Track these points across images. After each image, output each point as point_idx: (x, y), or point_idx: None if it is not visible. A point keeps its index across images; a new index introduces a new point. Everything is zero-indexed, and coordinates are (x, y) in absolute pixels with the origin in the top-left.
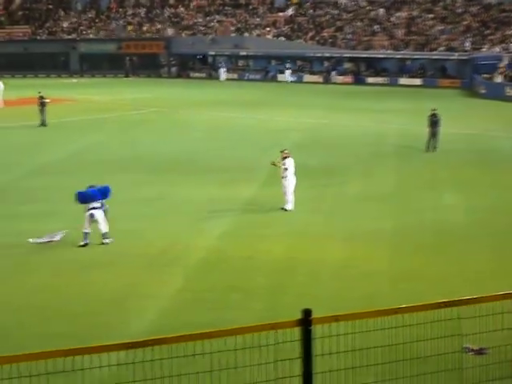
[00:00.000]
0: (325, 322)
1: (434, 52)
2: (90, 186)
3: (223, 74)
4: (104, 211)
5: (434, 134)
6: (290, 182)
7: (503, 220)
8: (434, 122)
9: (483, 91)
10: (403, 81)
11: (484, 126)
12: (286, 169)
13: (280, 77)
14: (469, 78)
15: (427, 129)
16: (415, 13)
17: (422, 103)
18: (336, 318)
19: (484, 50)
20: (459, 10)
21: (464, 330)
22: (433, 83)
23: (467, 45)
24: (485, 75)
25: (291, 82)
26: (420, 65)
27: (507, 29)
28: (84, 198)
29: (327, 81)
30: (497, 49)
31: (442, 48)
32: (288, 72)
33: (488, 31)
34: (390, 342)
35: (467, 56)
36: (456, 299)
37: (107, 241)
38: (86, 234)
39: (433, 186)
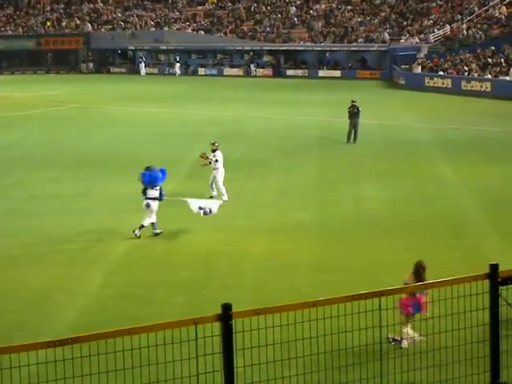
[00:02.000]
0: (245, 316)
1: (354, 44)
2: (147, 168)
3: (143, 68)
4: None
5: (354, 126)
6: (221, 173)
7: (421, 210)
8: (353, 113)
9: (402, 82)
10: (322, 73)
11: (404, 117)
12: (217, 160)
13: (200, 70)
14: (388, 69)
15: (347, 120)
16: (333, 5)
17: (343, 95)
18: (256, 312)
19: (402, 41)
20: (377, 2)
21: (385, 320)
22: (352, 75)
23: (386, 36)
24: (404, 66)
25: (179, 75)
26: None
27: (425, 19)
28: (150, 179)
29: (248, 74)
30: (415, 39)
31: (361, 40)
32: (177, 65)
33: (406, 22)
34: (312, 335)
35: (386, 47)
36: (376, 290)
37: (158, 231)
38: (153, 223)
39: (354, 177)
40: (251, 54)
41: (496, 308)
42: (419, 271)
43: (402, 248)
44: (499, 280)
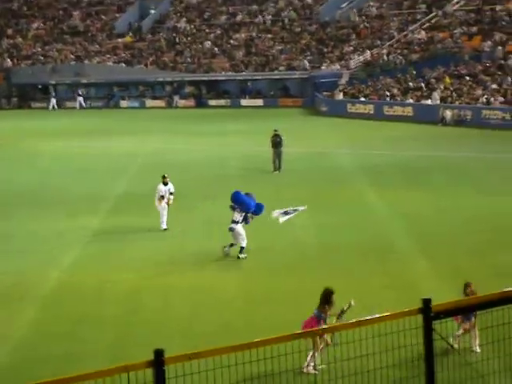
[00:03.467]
0: (178, 362)
1: (275, 72)
2: (247, 194)
3: (82, 102)
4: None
5: (278, 155)
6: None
7: (347, 236)
8: (276, 142)
9: (325, 109)
10: (245, 102)
11: (327, 144)
12: (172, 193)
13: (122, 103)
14: (310, 96)
15: (271, 150)
16: (253, 33)
17: (266, 124)
18: (189, 357)
19: (323, 67)
20: (297, 30)
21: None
22: (274, 103)
23: (306, 63)
24: (326, 93)
25: (81, 108)
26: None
27: (345, 46)
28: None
29: (170, 105)
30: (336, 66)
31: (282, 68)
32: (80, 99)
33: (326, 49)
34: (244, 377)
35: (307, 75)
36: (312, 329)
37: (242, 256)
38: (232, 245)
39: (280, 206)
40: (173, 85)
41: (430, 343)
42: (326, 298)
43: (329, 275)
44: (432, 315)
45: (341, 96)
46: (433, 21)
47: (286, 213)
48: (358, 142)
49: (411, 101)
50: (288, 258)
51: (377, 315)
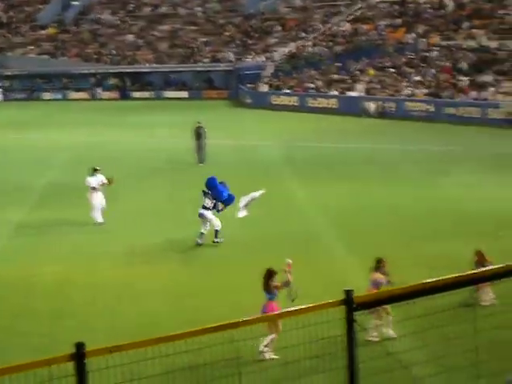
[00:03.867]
0: (99, 355)
1: (199, 64)
2: (221, 183)
3: None
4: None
5: (200, 147)
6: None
7: (271, 228)
8: (199, 134)
9: (249, 101)
10: (169, 94)
11: (252, 136)
12: (103, 184)
13: (45, 95)
14: (235, 88)
15: (194, 142)
16: (178, 25)
17: (190, 116)
18: (110, 350)
19: (248, 59)
20: (221, 22)
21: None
22: (199, 95)
23: (231, 55)
24: (250, 85)
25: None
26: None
27: (270, 38)
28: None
29: (93, 97)
30: (261, 58)
31: (206, 60)
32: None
33: (251, 41)
34: (168, 369)
35: (232, 67)
36: (236, 321)
37: (218, 240)
38: (202, 234)
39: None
40: (97, 77)
41: (352, 334)
42: (268, 274)
43: (255, 268)
44: (354, 306)
45: (265, 88)
46: (357, 13)
47: (245, 205)
48: (283, 134)
49: (335, 93)
50: (213, 250)
51: (299, 307)
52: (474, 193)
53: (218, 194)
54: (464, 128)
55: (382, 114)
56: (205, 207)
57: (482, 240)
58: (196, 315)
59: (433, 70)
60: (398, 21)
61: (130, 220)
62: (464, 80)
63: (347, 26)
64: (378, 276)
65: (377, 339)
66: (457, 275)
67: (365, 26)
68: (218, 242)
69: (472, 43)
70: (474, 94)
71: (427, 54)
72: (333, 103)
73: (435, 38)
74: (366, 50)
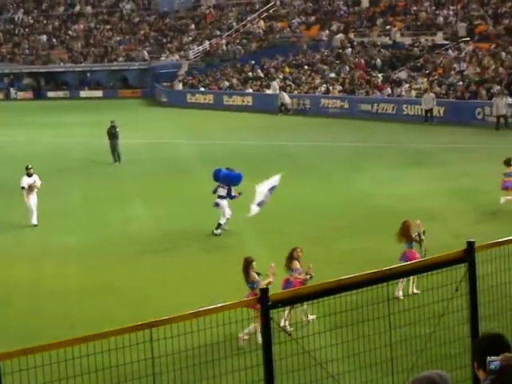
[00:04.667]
0: (13, 357)
1: (114, 63)
2: (227, 169)
3: None
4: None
5: (115, 146)
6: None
7: (185, 226)
8: (113, 134)
9: (165, 100)
10: (84, 93)
11: (168, 135)
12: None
13: None
14: (150, 87)
15: (108, 141)
16: (92, 24)
17: (105, 115)
18: (24, 352)
19: (163, 58)
20: (136, 20)
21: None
22: (114, 94)
23: (145, 54)
24: (165, 83)
25: None
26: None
27: (184, 36)
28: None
29: (7, 97)
30: (176, 57)
31: (121, 59)
32: None
33: (166, 40)
34: (83, 371)
35: (147, 65)
36: (149, 321)
37: (218, 231)
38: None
39: (120, 198)
40: (10, 77)
41: (268, 331)
42: (245, 266)
43: (170, 266)
44: (270, 304)
45: (180, 86)
46: (271, 11)
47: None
48: (198, 132)
49: (251, 90)
50: (127, 249)
51: (213, 306)
52: (388, 188)
53: (226, 180)
54: (379, 124)
55: (297, 111)
56: (220, 196)
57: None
58: (102, 314)
59: (347, 67)
60: (312, 18)
61: (45, 220)
62: (378, 77)
63: (261, 24)
64: (296, 264)
65: (291, 329)
66: (371, 271)
67: (279, 24)
68: (217, 234)
69: (386, 40)
70: (388, 90)
71: (341, 51)
72: (248, 101)
73: (349, 35)
74: (281, 48)
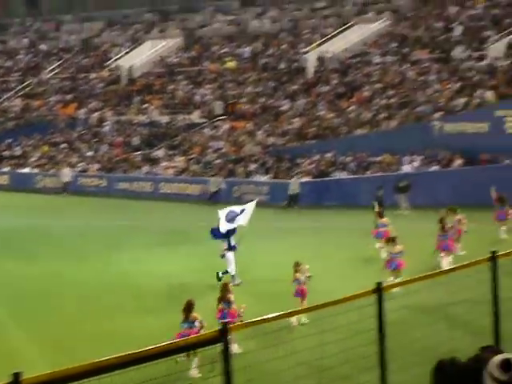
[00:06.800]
0: None
1: None
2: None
3: None
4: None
5: None
6: None
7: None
8: None
9: None
10: None
11: None
12: None
13: None
14: None
15: None
16: None
17: None
18: None
19: None
20: None
21: None
22: None
23: None
24: None
25: None
26: None
27: None
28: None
29: None
30: None
31: None
32: None
33: None
34: None
35: None
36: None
37: (237, 282)
38: (233, 276)
39: None
40: None
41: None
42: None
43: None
44: None
45: None
46: (27, 89)
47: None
48: None
49: (7, 169)
50: None
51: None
52: (145, 267)
53: (221, 236)
54: (136, 203)
55: (57, 191)
56: (225, 249)
57: (153, 315)
58: None
59: (105, 145)
60: (69, 96)
61: None
62: (136, 155)
63: (18, 102)
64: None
65: None
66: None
67: (36, 102)
68: (220, 276)
69: (143, 118)
70: (146, 168)
71: (99, 129)
72: (4, 179)
73: (107, 113)
74: (38, 126)
